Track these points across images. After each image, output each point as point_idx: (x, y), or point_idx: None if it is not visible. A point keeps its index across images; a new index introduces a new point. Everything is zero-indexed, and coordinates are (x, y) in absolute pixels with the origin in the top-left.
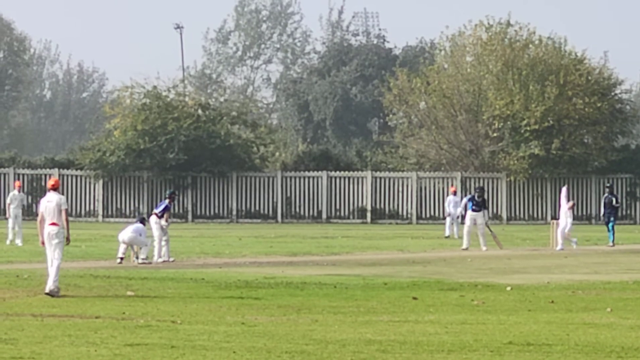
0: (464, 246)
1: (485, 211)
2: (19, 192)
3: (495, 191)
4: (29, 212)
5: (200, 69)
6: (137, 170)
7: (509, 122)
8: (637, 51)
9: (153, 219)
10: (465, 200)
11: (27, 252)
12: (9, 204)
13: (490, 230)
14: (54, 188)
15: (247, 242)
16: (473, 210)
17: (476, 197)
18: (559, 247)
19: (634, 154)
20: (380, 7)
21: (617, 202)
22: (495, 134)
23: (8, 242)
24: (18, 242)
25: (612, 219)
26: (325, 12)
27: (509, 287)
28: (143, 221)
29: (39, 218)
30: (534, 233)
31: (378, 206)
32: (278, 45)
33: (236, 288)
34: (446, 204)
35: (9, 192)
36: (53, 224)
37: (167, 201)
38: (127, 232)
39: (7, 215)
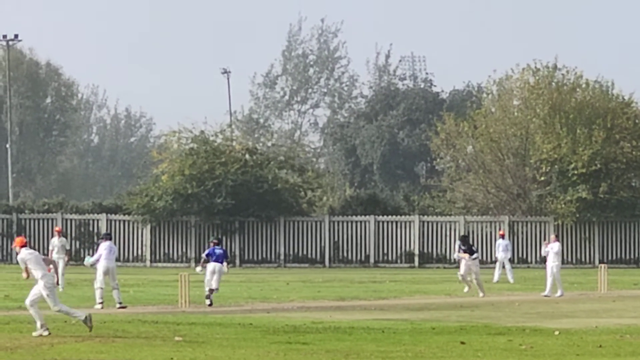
0: (465, 290)
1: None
2: (59, 237)
3: (543, 235)
4: (77, 257)
5: (247, 114)
6: (185, 215)
7: (556, 166)
8: None
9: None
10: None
11: (75, 297)
12: (51, 251)
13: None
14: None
15: (295, 287)
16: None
17: (461, 246)
18: (558, 293)
19: None
20: (428, 51)
21: None
22: (542, 178)
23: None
24: (60, 287)
25: None
26: (372, 56)
27: (557, 331)
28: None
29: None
30: (582, 277)
31: (425, 250)
32: (325, 90)
33: (284, 333)
34: (496, 248)
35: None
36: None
37: (216, 247)
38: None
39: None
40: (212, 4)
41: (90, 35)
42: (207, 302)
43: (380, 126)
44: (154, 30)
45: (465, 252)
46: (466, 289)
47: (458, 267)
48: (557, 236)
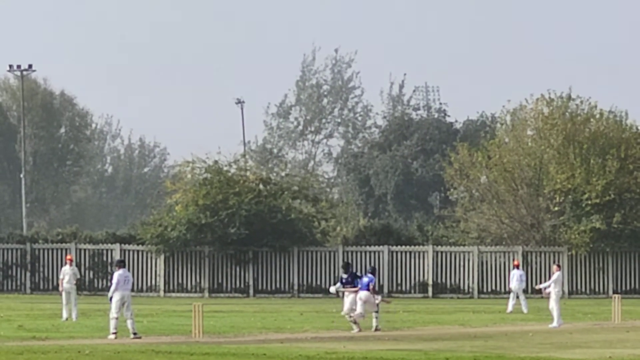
0: (354, 330)
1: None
2: (71, 266)
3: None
4: (90, 287)
5: (261, 144)
6: (199, 245)
7: (570, 196)
8: None
9: None
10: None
11: (88, 327)
12: (62, 279)
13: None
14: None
15: (309, 317)
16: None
17: (343, 275)
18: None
19: None
20: (441, 81)
21: None
22: (556, 208)
23: (64, 319)
24: (73, 317)
25: None
26: (386, 86)
27: None
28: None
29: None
30: (596, 307)
31: (439, 280)
32: (339, 120)
33: None
34: (510, 278)
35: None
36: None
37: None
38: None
39: (60, 290)
40: (226, 34)
41: (104, 65)
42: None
43: (394, 156)
44: (168, 60)
45: (347, 284)
46: (355, 329)
47: (470, 297)
48: (559, 265)
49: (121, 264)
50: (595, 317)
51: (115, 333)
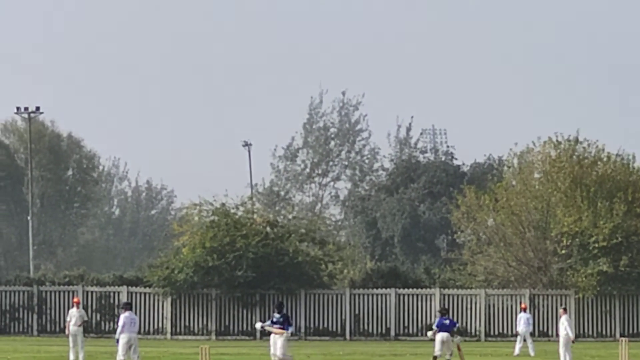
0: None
1: (290, 328)
2: (78, 308)
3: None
4: (97, 330)
5: (268, 186)
6: (206, 288)
7: (577, 239)
8: None
9: None
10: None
11: None
12: (69, 322)
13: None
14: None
15: None
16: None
17: (275, 314)
18: None
19: None
20: (449, 123)
21: None
22: (563, 251)
23: None
24: (80, 359)
25: None
26: (393, 129)
27: None
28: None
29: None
30: (603, 350)
31: None
32: (346, 163)
33: None
34: (517, 321)
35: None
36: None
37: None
38: None
39: (67, 333)
40: (233, 76)
41: (112, 108)
42: None
43: (401, 199)
44: (175, 103)
45: (277, 324)
46: None
47: (477, 340)
48: (565, 309)
49: (127, 306)
50: None
51: None
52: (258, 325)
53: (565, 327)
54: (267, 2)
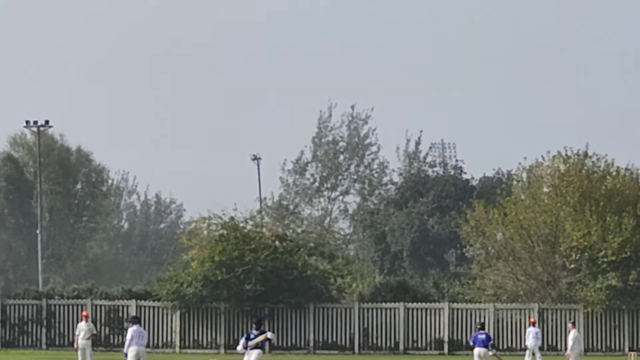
0: None
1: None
2: (86, 322)
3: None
4: (106, 343)
5: (277, 200)
6: (215, 302)
7: (586, 253)
8: None
9: None
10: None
11: None
12: (77, 335)
13: None
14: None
15: None
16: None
17: (253, 330)
18: None
19: None
20: (457, 138)
21: None
22: (572, 265)
23: None
24: None
25: None
26: (402, 143)
27: None
28: None
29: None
30: None
31: (455, 337)
32: (355, 177)
33: None
34: (526, 335)
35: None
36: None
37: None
38: None
39: (75, 347)
40: (241, 91)
41: (121, 121)
42: None
43: (410, 213)
44: (184, 117)
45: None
46: None
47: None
48: (573, 323)
49: (135, 320)
50: None
51: None
52: (239, 348)
53: (572, 340)
54: (277, 17)
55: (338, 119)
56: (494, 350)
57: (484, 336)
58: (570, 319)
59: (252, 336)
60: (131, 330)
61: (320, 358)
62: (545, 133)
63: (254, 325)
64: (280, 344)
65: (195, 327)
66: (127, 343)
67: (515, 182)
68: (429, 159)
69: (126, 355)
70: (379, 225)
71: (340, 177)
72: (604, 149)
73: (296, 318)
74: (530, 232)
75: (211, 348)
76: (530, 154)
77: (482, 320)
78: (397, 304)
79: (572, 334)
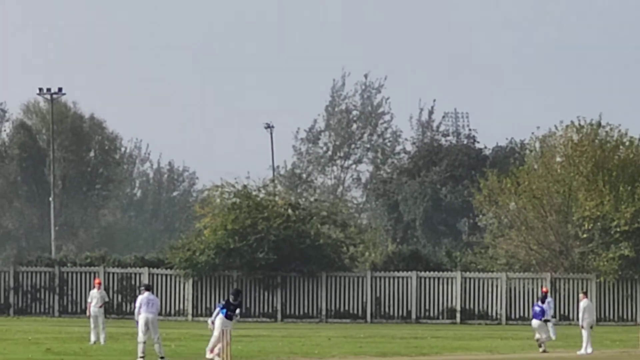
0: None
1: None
2: (99, 289)
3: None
4: (118, 311)
5: (290, 169)
6: (227, 270)
7: (598, 223)
8: None
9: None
10: (218, 308)
11: (116, 351)
12: (90, 303)
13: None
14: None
15: (337, 342)
16: (227, 316)
17: (231, 300)
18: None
19: None
20: (471, 107)
21: None
22: (585, 235)
23: (91, 342)
24: (101, 340)
25: None
26: (415, 112)
27: None
28: None
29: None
30: (624, 334)
31: (467, 307)
32: (368, 145)
33: None
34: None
35: None
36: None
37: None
38: None
39: (88, 314)
40: (256, 59)
41: (134, 90)
42: None
43: (423, 182)
44: (198, 85)
45: (233, 310)
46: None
47: (498, 323)
48: (585, 293)
49: (147, 287)
50: (623, 344)
51: (142, 357)
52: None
53: (582, 309)
54: None
55: (351, 87)
56: (550, 323)
57: (539, 308)
58: (582, 289)
59: (231, 306)
60: (140, 298)
61: (332, 327)
62: (558, 103)
63: (231, 297)
64: (292, 312)
65: (207, 295)
66: (136, 310)
67: (528, 152)
68: (442, 128)
69: (137, 322)
70: (391, 194)
71: (353, 145)
72: (617, 119)
73: (308, 287)
74: (542, 202)
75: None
76: (543, 123)
77: (494, 289)
78: (409, 273)
79: (582, 304)
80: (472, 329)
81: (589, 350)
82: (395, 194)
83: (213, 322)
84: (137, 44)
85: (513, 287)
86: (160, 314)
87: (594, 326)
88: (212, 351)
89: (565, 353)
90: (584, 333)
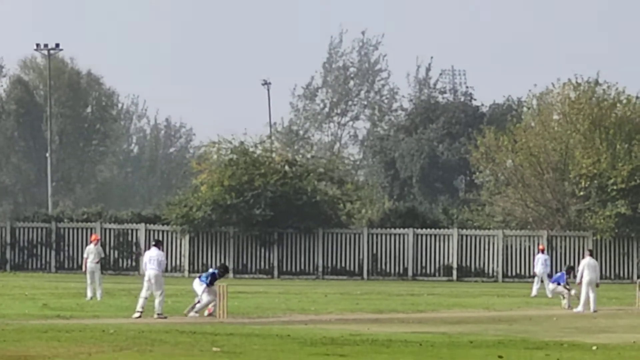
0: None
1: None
2: (96, 245)
3: (582, 250)
4: (115, 267)
5: (287, 125)
6: (224, 226)
7: (595, 181)
8: None
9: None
10: (203, 279)
11: (113, 306)
12: (86, 258)
13: None
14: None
15: (333, 299)
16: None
17: (217, 275)
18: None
19: None
20: (468, 64)
21: None
22: (581, 193)
23: (88, 298)
24: (98, 296)
25: None
26: (412, 69)
27: (595, 346)
28: None
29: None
30: (620, 292)
31: (464, 264)
32: (365, 102)
33: (322, 345)
34: (535, 262)
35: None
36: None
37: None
38: None
39: (84, 270)
40: (253, 16)
41: (131, 45)
42: None
43: (420, 139)
44: (195, 41)
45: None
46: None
47: (495, 281)
48: (590, 251)
49: (154, 243)
50: (619, 302)
51: (140, 312)
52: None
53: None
54: None
55: (349, 44)
56: (568, 288)
57: (559, 274)
58: (579, 247)
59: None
60: (146, 254)
61: (329, 283)
62: (555, 60)
63: (219, 270)
64: (288, 269)
65: (204, 251)
66: (142, 266)
67: (525, 109)
68: (439, 86)
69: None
70: (388, 151)
71: (350, 102)
72: (614, 76)
73: (305, 243)
74: (539, 159)
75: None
76: (540, 81)
77: (491, 246)
78: (406, 230)
79: (583, 261)
80: (469, 287)
81: (580, 308)
82: (392, 151)
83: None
84: (134, 1)
85: (509, 245)
86: None
87: (599, 284)
88: (209, 311)
89: (562, 310)
90: (583, 290)
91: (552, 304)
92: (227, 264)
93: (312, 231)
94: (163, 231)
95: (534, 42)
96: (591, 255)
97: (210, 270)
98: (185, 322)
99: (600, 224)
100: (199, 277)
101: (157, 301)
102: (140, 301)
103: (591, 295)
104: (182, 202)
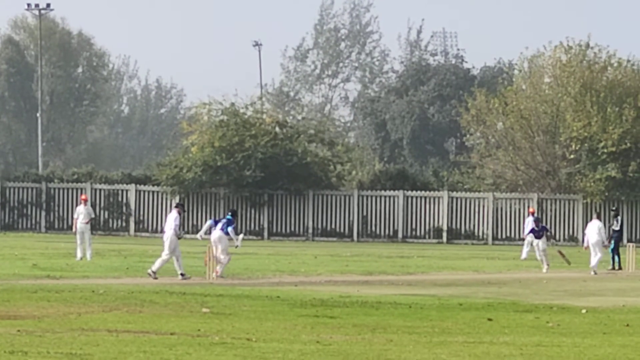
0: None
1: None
2: (85, 206)
3: (572, 213)
4: (105, 227)
5: (278, 87)
6: (214, 187)
7: (586, 144)
8: None
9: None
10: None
11: (102, 267)
12: (76, 219)
13: None
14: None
15: (323, 261)
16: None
17: (229, 217)
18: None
19: None
20: (459, 27)
21: None
22: (572, 156)
23: (78, 258)
24: (88, 257)
25: None
26: (403, 31)
27: (584, 309)
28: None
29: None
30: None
31: (454, 226)
32: (356, 64)
33: (311, 306)
34: (525, 225)
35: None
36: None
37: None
38: None
39: (74, 231)
40: None
41: (122, 6)
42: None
43: (411, 101)
44: (186, 2)
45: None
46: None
47: (485, 243)
48: (598, 213)
49: (176, 205)
50: (609, 265)
51: (154, 272)
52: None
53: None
54: None
55: (340, 6)
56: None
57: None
58: (569, 209)
59: (225, 220)
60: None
61: (319, 245)
62: (547, 23)
63: (229, 213)
64: (279, 230)
65: (194, 212)
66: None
67: (516, 72)
68: (430, 48)
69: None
70: (379, 113)
71: (341, 64)
72: (605, 40)
73: (295, 205)
74: (530, 122)
75: (210, 233)
76: (531, 44)
77: (481, 209)
78: (396, 192)
79: (590, 225)
80: (459, 249)
81: (594, 267)
82: (383, 113)
83: (202, 238)
84: None
85: (500, 207)
86: (146, 230)
87: (606, 245)
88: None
89: (552, 273)
90: (592, 252)
91: (542, 267)
92: None
93: (303, 193)
94: (153, 192)
95: (525, 5)
96: (598, 217)
97: (221, 219)
98: (175, 283)
99: (590, 187)
100: (221, 228)
101: (158, 260)
102: (158, 262)
103: (597, 255)
104: (173, 163)
